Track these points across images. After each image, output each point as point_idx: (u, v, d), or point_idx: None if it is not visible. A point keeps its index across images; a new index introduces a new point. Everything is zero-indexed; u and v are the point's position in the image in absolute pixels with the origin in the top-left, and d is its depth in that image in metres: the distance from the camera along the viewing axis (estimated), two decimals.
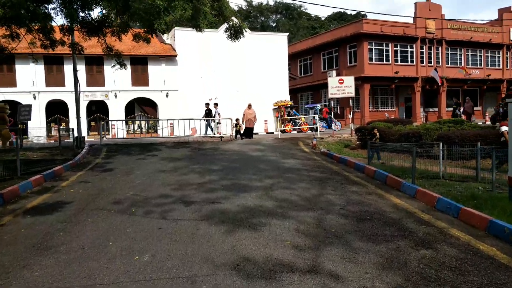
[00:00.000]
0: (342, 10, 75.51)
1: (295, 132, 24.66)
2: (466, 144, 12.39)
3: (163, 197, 7.86)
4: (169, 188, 8.63)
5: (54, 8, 13.57)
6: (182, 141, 17.97)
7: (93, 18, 14.31)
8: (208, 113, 21.84)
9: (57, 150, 14.63)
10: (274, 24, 56.96)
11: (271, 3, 58.17)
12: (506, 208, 6.51)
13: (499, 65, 38.91)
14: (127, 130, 27.72)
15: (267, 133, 27.90)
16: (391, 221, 6.32)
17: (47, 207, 7.29)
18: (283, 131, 23.21)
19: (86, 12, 13.72)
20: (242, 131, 20.22)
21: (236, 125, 19.90)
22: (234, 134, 20.06)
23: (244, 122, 20.31)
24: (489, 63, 38.38)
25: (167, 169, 11.04)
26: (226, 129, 21.07)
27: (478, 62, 37.87)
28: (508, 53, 39.18)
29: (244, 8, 58.10)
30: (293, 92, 38.33)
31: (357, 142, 17.82)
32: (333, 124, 26.68)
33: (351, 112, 20.97)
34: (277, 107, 28.93)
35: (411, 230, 5.90)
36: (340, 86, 19.86)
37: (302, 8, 59.52)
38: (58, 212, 6.91)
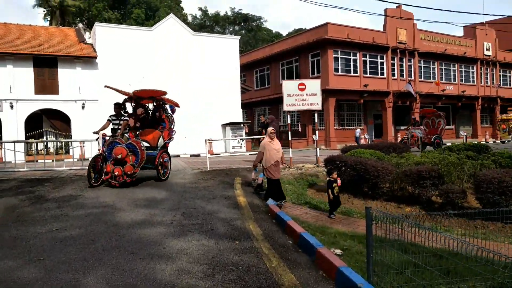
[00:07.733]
0: (304, 27, 70.11)
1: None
2: None
3: None
4: None
5: None
6: (44, 177, 10.16)
7: None
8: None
9: None
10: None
11: (229, 13, 51.40)
12: None
13: (473, 81, 33.55)
14: (27, 151, 19.61)
15: (212, 154, 20.58)
16: None
17: None
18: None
19: None
20: (259, 182, 8.81)
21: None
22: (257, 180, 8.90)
23: (266, 167, 7.76)
24: (463, 78, 32.95)
25: None
26: None
27: (452, 77, 32.33)
28: (482, 68, 34.01)
29: (199, 17, 50.91)
30: (248, 106, 31.35)
31: (327, 179, 10.84)
32: None
33: (316, 132, 14.04)
34: (503, 119, 30.31)
35: None
36: (301, 94, 12.93)
37: (261, 20, 53.18)
38: None
